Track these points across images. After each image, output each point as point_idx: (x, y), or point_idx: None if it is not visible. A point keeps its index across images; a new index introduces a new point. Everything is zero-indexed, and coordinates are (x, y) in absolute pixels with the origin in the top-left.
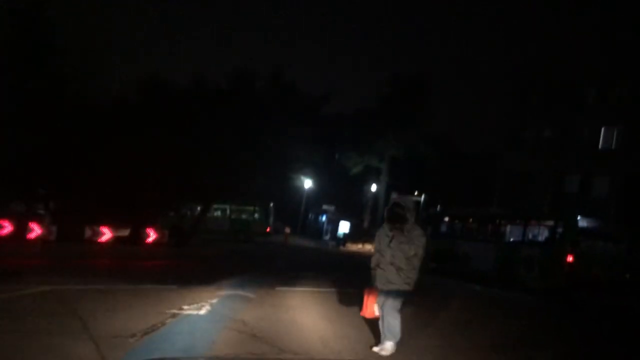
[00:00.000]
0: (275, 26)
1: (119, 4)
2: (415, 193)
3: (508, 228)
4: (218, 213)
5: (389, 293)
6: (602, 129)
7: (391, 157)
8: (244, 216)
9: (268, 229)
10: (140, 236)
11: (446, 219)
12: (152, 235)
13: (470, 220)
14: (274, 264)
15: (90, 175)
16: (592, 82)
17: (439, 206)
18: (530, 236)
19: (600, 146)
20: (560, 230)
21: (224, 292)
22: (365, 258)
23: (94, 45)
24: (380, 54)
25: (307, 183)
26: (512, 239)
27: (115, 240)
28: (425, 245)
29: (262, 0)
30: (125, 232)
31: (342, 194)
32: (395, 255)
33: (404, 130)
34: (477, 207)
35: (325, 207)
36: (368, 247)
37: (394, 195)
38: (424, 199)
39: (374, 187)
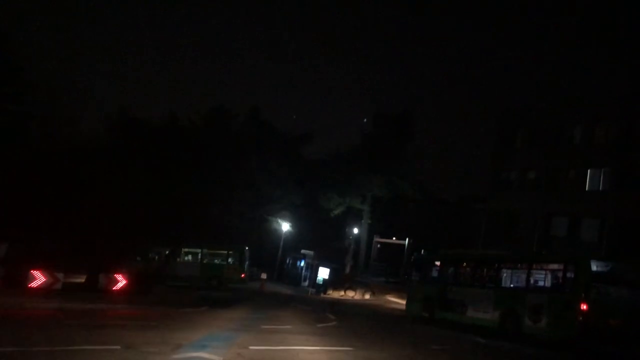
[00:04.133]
0: (255, 65)
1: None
2: (395, 237)
3: (509, 272)
4: (189, 258)
5: None
6: (589, 171)
7: (374, 198)
8: (216, 261)
9: (243, 275)
10: (100, 283)
11: (437, 262)
12: (115, 282)
13: (464, 264)
14: (249, 314)
15: (48, 217)
16: (577, 123)
17: (422, 250)
18: (534, 281)
19: (587, 188)
20: (570, 274)
21: (181, 354)
22: (345, 306)
23: (61, 82)
24: (363, 95)
25: (285, 226)
26: (513, 284)
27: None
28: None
29: (244, 39)
30: (82, 279)
31: (323, 238)
32: None
33: (388, 169)
34: (471, 249)
35: (303, 251)
36: (351, 294)
37: (377, 239)
38: (408, 242)
39: (355, 230)
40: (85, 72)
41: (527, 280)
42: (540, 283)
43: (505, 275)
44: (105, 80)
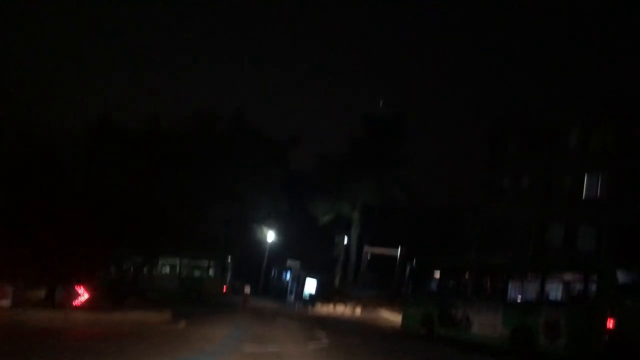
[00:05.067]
0: (241, 66)
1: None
2: (386, 247)
3: (519, 283)
4: (167, 269)
5: None
6: (586, 177)
7: (364, 205)
8: (196, 273)
9: (225, 289)
10: (62, 298)
11: (436, 273)
12: (75, 296)
13: (467, 274)
14: (231, 332)
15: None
16: (572, 127)
17: (415, 260)
18: (550, 293)
19: (584, 194)
20: (593, 285)
21: None
22: (335, 322)
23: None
24: (353, 99)
25: (271, 235)
26: (524, 298)
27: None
28: None
29: (228, 39)
30: (42, 293)
31: (310, 248)
32: None
33: (379, 175)
34: (474, 257)
35: (289, 262)
36: (340, 310)
37: (367, 248)
38: (401, 252)
39: (345, 239)
40: (63, 75)
41: (541, 292)
42: (557, 296)
43: (514, 286)
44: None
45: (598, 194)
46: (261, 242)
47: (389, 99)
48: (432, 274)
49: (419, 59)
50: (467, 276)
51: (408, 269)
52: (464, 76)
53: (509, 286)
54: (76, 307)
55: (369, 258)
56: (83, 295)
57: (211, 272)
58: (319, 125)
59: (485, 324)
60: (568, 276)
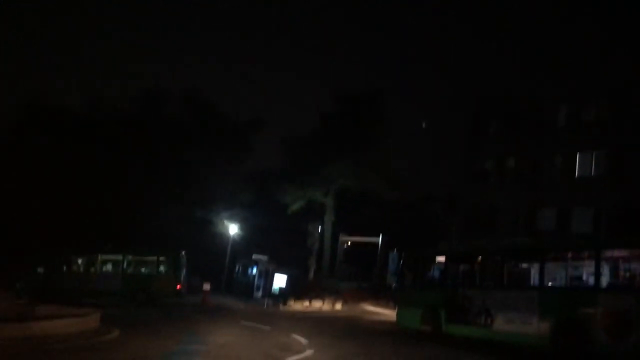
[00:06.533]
0: (196, 43)
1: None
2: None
3: (562, 265)
4: (108, 267)
5: None
6: (578, 155)
7: (338, 190)
8: (144, 270)
9: (179, 286)
10: None
11: (440, 260)
12: None
13: (484, 258)
14: (179, 344)
15: None
16: (560, 103)
17: (404, 248)
18: (609, 276)
19: (577, 174)
20: None
21: None
22: (315, 321)
23: None
24: (322, 78)
25: (233, 228)
26: (567, 281)
27: None
28: None
29: (180, 9)
30: None
31: (279, 239)
32: None
33: (353, 155)
34: (491, 239)
35: (256, 256)
36: (318, 305)
37: (343, 237)
38: (382, 240)
39: (319, 229)
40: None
41: (597, 275)
42: (618, 279)
43: (556, 269)
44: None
45: (593, 172)
46: (223, 235)
47: (364, 79)
48: (433, 261)
49: (396, 40)
50: (483, 261)
51: (392, 257)
52: (442, 57)
53: (549, 269)
54: None
55: (345, 248)
56: None
57: (162, 268)
58: (288, 113)
59: (513, 317)
60: (627, 256)
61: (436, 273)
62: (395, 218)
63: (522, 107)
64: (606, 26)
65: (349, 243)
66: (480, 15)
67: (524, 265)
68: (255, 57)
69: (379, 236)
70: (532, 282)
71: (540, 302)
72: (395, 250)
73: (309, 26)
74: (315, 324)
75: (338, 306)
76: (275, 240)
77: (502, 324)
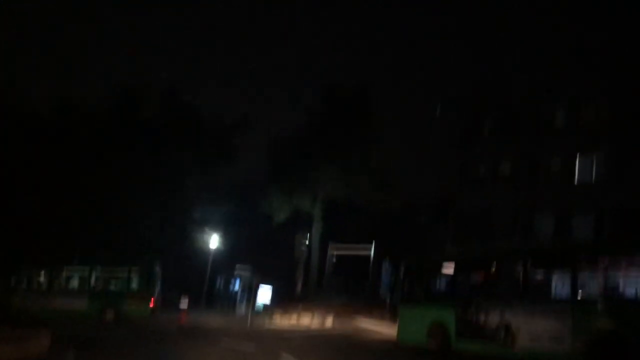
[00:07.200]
0: (174, 39)
1: None
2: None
3: (602, 272)
4: (73, 282)
5: None
6: (578, 158)
7: (326, 198)
8: (113, 285)
9: (152, 303)
10: None
11: (447, 269)
12: None
13: (501, 264)
14: None
15: None
16: (558, 103)
17: (389, 259)
18: None
19: (577, 177)
20: None
21: None
22: (304, 340)
23: None
24: (308, 79)
25: (214, 240)
26: (607, 293)
27: None
28: None
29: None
30: None
31: (264, 252)
32: None
33: (342, 157)
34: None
35: (239, 269)
36: (306, 321)
37: (332, 247)
38: (375, 250)
39: (306, 239)
40: None
41: None
42: None
43: (589, 279)
44: None
45: (594, 175)
46: (204, 248)
47: (351, 78)
48: (439, 270)
49: (386, 37)
50: (501, 267)
51: (385, 268)
52: (439, 57)
53: (578, 278)
54: None
55: (334, 259)
56: None
57: (134, 283)
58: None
59: (541, 335)
60: None
61: (442, 284)
62: (386, 226)
63: (516, 108)
64: (606, 26)
65: (336, 253)
66: (480, 16)
67: (552, 271)
68: (242, 61)
69: (370, 246)
70: (562, 291)
71: (573, 316)
72: (388, 260)
73: (297, 26)
74: (306, 343)
75: (329, 322)
76: (260, 251)
77: (526, 342)
